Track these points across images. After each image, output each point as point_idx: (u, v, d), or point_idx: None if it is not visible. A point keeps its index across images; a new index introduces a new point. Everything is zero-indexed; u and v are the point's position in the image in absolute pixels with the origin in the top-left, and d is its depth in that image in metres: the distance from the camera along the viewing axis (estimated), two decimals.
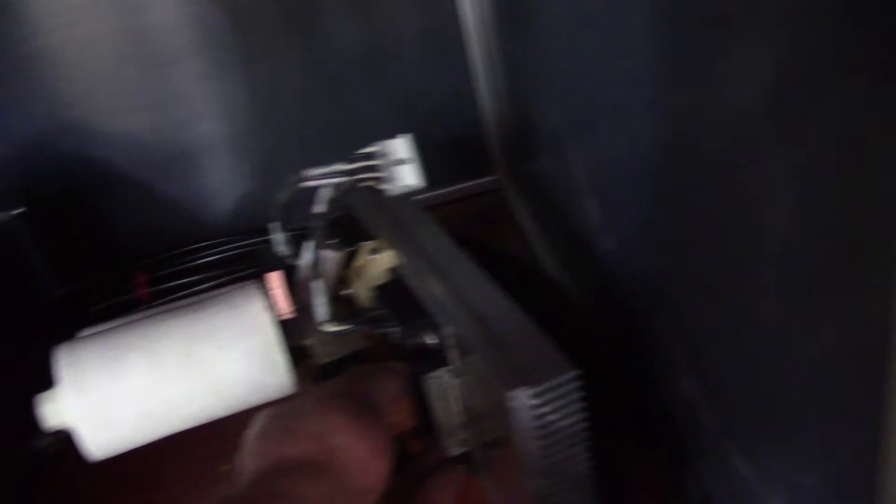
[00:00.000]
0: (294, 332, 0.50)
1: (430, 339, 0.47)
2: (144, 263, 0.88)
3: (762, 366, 0.35)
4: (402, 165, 0.49)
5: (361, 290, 0.53)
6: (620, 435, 0.53)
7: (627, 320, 0.55)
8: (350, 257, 0.55)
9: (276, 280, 0.48)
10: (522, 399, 0.39)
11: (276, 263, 0.56)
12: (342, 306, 0.53)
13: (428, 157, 0.51)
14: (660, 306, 0.47)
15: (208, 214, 0.94)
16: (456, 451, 0.51)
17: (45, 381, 0.46)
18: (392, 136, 0.51)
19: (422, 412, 0.48)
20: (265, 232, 0.89)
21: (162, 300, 0.84)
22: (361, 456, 0.37)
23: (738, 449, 0.41)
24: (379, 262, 0.54)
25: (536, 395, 0.39)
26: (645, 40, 0.40)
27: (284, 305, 0.48)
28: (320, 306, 0.48)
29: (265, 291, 0.48)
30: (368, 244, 0.55)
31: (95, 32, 0.82)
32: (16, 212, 0.69)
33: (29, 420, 0.60)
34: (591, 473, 0.45)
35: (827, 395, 0.30)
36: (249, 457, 0.37)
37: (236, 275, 0.86)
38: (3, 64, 0.80)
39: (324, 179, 0.50)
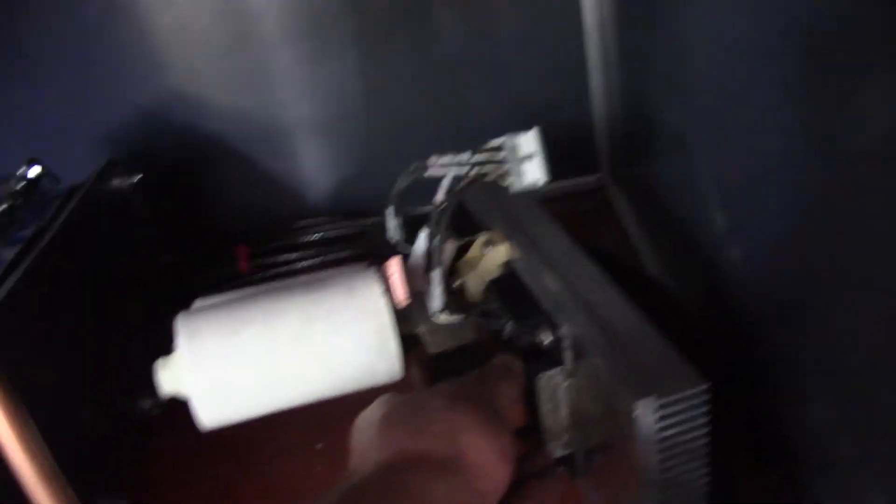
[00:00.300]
0: (405, 319, 0.50)
1: (545, 338, 0.46)
2: (246, 238, 0.90)
3: None
4: (529, 161, 0.48)
5: (472, 283, 0.52)
6: (734, 450, 0.51)
7: (748, 334, 0.53)
8: (462, 249, 0.55)
9: (395, 266, 0.48)
10: (649, 409, 0.38)
11: (386, 248, 0.56)
12: (452, 298, 0.53)
13: None
14: (793, 324, 0.45)
15: (309, 195, 0.96)
16: (559, 453, 0.50)
17: (154, 347, 0.47)
18: (512, 130, 0.51)
19: (530, 411, 0.47)
20: (364, 216, 0.90)
21: (263, 274, 0.85)
22: (489, 460, 0.37)
23: (874, 480, 0.39)
24: (493, 256, 0.53)
25: (663, 407, 0.38)
26: (790, 44, 0.38)
27: (401, 292, 0.47)
28: (436, 296, 0.48)
29: (382, 276, 0.48)
30: (483, 236, 0.54)
31: (213, 11, 0.84)
32: (134, 178, 0.71)
33: (139, 384, 0.62)
34: (707, 490, 0.43)
35: None
36: (372, 444, 0.37)
37: (334, 255, 0.87)
38: (132, 34, 0.83)
39: (448, 169, 0.50)
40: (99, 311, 0.62)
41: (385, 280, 0.48)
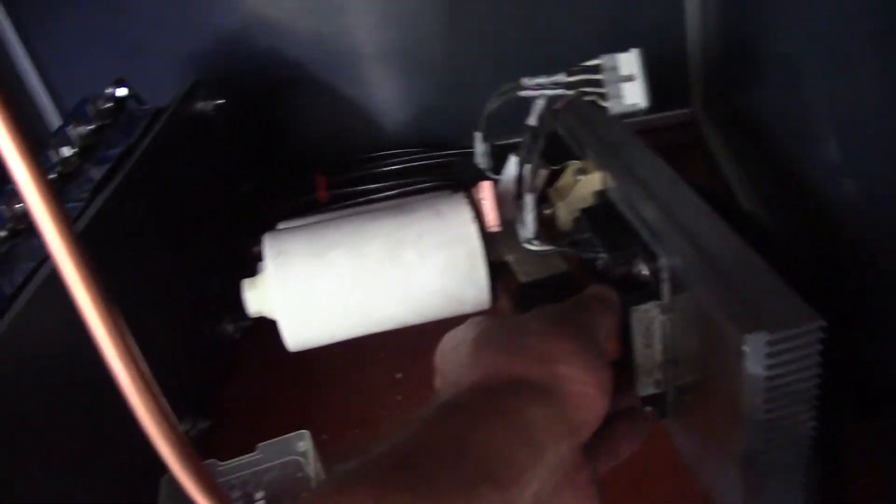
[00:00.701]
0: (495, 246, 0.48)
1: (642, 270, 0.44)
2: (325, 167, 0.89)
3: None
4: (629, 82, 0.46)
5: (563, 212, 0.50)
6: (840, 398, 0.49)
7: (860, 271, 0.50)
8: (554, 176, 0.53)
9: (486, 191, 0.46)
10: (758, 345, 0.35)
11: (471, 178, 0.54)
12: (542, 227, 0.51)
13: None
14: None
15: (388, 125, 0.94)
16: (648, 391, 0.48)
17: (234, 272, 0.47)
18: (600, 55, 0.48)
19: (622, 346, 0.45)
20: (445, 147, 0.88)
21: (342, 204, 0.85)
22: (587, 391, 0.35)
23: None
24: (586, 184, 0.51)
25: (773, 343, 0.36)
26: None
27: (492, 218, 0.46)
28: (528, 223, 0.46)
29: (472, 202, 0.46)
30: (575, 164, 0.52)
31: None
32: (217, 102, 0.71)
33: (222, 308, 0.63)
34: (812, 436, 0.41)
35: None
36: (463, 364, 0.35)
37: (416, 187, 0.85)
38: None
39: (541, 90, 0.47)
40: (183, 233, 0.63)
41: (475, 205, 0.46)
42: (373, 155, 0.90)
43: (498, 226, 0.46)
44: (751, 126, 0.69)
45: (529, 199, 0.45)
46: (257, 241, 0.54)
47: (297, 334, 0.45)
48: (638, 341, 0.45)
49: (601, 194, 0.51)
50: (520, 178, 0.46)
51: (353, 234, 0.45)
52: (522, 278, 0.47)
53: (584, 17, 0.86)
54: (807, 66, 0.52)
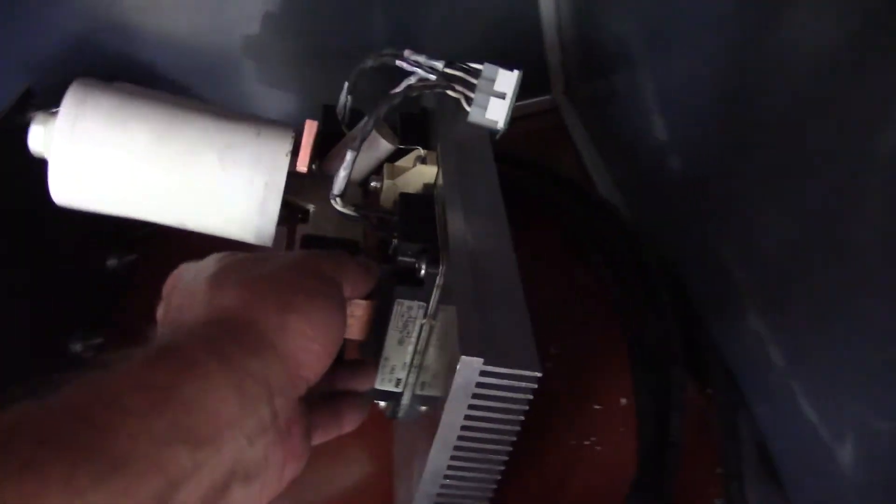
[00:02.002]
0: (302, 189, 0.47)
1: (423, 269, 0.44)
2: None
3: (841, 300, 0.32)
4: (498, 99, 0.46)
5: (388, 189, 0.50)
6: (672, 368, 0.51)
7: (691, 246, 0.53)
8: (398, 155, 0.52)
9: (309, 129, 0.45)
10: (471, 369, 0.36)
11: (330, 123, 0.53)
12: (363, 194, 0.50)
13: None
14: (729, 232, 0.45)
15: None
16: (387, 386, 0.48)
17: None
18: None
19: (374, 331, 0.45)
20: None
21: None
22: (313, 347, 0.34)
23: (804, 390, 0.39)
24: (420, 173, 0.51)
25: (486, 374, 0.36)
26: None
27: (303, 157, 0.45)
28: (339, 179, 0.45)
29: (295, 137, 0.45)
30: (419, 151, 0.51)
31: None
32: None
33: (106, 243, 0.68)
34: (497, 480, 0.42)
35: None
36: (198, 300, 0.34)
37: None
38: None
39: (416, 67, 0.46)
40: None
41: (296, 141, 0.45)
42: None
43: (305, 167, 0.45)
44: (603, 111, 0.72)
45: (349, 156, 0.44)
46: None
47: (65, 189, 0.43)
48: (393, 335, 0.45)
49: (426, 188, 0.50)
50: (355, 137, 0.45)
51: (168, 115, 0.43)
52: (310, 230, 0.46)
53: (446, 9, 0.83)
54: (637, 48, 0.54)
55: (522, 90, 0.47)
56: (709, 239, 0.48)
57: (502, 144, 0.50)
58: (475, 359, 0.35)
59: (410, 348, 0.46)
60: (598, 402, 0.58)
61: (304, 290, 0.35)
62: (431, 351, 0.45)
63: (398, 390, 0.48)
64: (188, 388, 0.28)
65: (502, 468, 0.42)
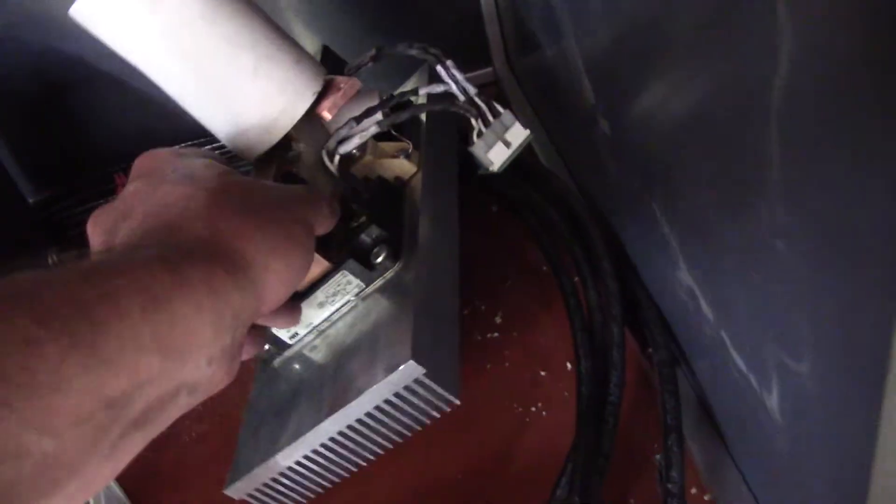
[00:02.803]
0: (309, 130, 0.47)
1: (379, 256, 0.46)
2: (125, 165, 0.80)
3: (754, 246, 0.33)
4: (503, 145, 0.48)
5: (365, 165, 0.52)
6: (611, 327, 0.52)
7: (625, 205, 0.55)
8: (386, 137, 0.54)
9: (349, 84, 0.46)
10: (408, 372, 0.39)
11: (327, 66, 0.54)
12: (349, 161, 0.51)
13: None
14: (654, 190, 0.46)
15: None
16: (283, 335, 0.49)
17: None
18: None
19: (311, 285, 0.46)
20: None
21: None
22: (280, 287, 0.36)
23: (731, 339, 0.40)
24: (398, 165, 0.53)
25: (419, 383, 0.40)
26: None
27: (329, 104, 0.45)
28: (351, 143, 0.46)
29: (330, 87, 0.46)
30: (408, 146, 0.54)
31: None
32: None
33: None
34: (346, 477, 0.46)
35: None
36: (195, 212, 0.34)
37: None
38: None
39: (453, 82, 0.48)
40: None
41: (328, 90, 0.46)
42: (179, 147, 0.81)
43: (331, 115, 0.46)
44: (541, 81, 0.72)
45: (374, 128, 0.46)
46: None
47: (98, 4, 0.40)
48: (320, 295, 0.47)
49: (402, 181, 0.53)
50: (376, 107, 0.47)
51: (225, 6, 0.42)
52: (289, 167, 0.46)
53: None
54: (563, 13, 0.55)
55: (464, 63, 0.48)
56: (637, 195, 0.49)
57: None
58: (419, 367, 0.38)
59: (325, 314, 0.48)
60: (543, 368, 0.59)
61: (292, 237, 0.37)
62: (340, 324, 0.48)
63: (290, 343, 0.50)
64: (178, 305, 0.29)
65: (364, 465, 0.45)
